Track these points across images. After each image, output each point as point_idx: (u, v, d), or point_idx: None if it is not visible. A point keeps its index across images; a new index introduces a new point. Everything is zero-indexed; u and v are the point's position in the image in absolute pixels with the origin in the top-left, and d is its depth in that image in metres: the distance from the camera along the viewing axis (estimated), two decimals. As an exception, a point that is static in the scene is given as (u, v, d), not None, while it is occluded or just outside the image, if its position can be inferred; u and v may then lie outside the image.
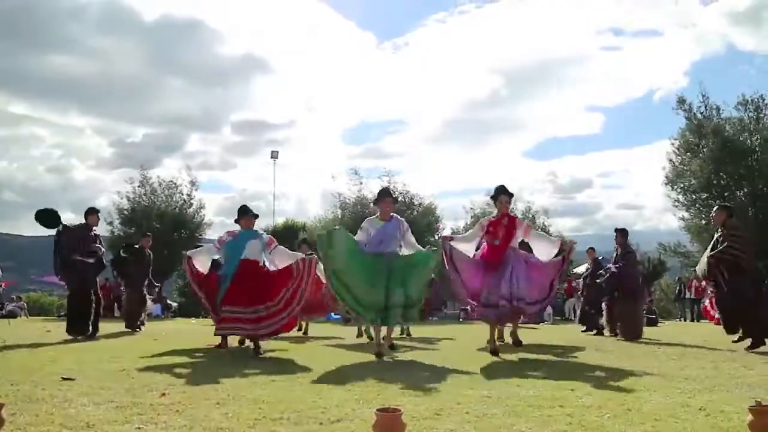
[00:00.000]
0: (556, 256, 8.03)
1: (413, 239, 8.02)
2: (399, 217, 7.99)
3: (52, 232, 9.96)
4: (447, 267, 7.84)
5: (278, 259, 8.26)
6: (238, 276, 7.87)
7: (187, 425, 3.55)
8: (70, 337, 9.66)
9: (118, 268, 13.80)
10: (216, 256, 9.05)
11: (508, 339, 8.92)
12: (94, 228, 10.47)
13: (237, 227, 8.44)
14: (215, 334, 8.43)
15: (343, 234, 7.60)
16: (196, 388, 4.89)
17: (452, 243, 7.96)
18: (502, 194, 7.98)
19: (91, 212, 10.49)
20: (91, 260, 10.13)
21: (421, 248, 7.99)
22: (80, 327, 9.90)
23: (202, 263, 8.80)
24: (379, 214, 7.82)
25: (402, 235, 7.79)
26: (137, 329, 12.33)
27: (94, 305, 10.17)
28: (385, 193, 8.11)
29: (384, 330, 7.70)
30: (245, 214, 8.38)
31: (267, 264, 8.20)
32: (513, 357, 7.40)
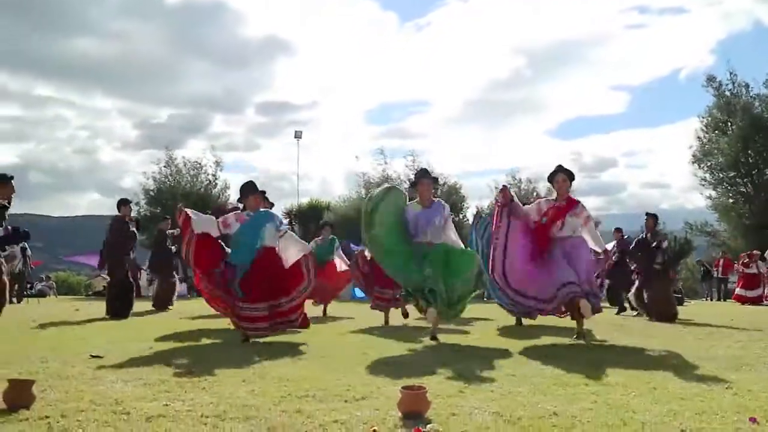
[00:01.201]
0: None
1: (453, 232, 7.19)
2: (441, 201, 7.22)
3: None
4: (494, 228, 6.81)
5: (286, 248, 7.11)
6: (256, 266, 6.78)
7: (214, 402, 3.59)
8: (97, 316, 9.86)
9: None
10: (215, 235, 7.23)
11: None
12: (127, 218, 10.82)
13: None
14: (238, 328, 6.93)
15: (390, 206, 6.87)
16: (222, 367, 4.93)
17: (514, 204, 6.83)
18: (558, 173, 7.02)
19: (124, 203, 10.93)
20: (131, 255, 10.91)
21: (461, 245, 7.22)
22: (122, 311, 10.23)
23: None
24: (418, 198, 7.04)
25: (443, 222, 6.98)
26: (166, 309, 12.65)
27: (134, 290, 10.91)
28: (422, 174, 7.31)
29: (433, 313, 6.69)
30: (253, 191, 7.16)
31: (278, 251, 7.06)
32: (537, 340, 7.38)
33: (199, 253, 6.87)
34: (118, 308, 10.22)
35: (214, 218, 7.11)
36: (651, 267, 10.82)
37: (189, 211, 7.02)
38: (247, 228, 6.93)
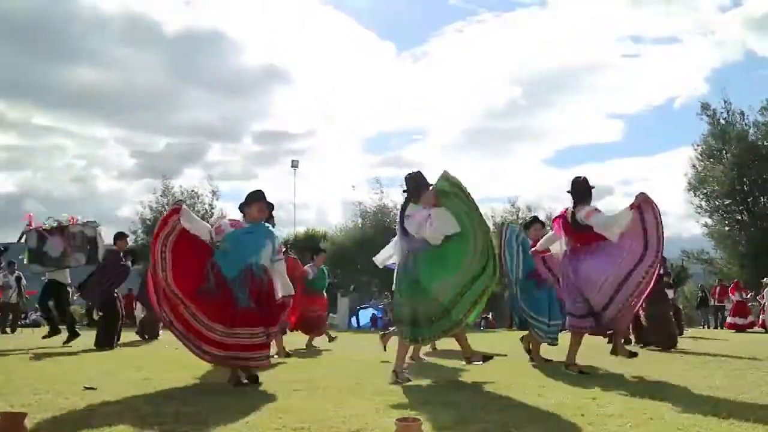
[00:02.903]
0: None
1: None
2: None
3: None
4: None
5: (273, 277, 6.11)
6: (243, 284, 5.73)
7: (208, 435, 3.57)
8: (92, 347, 9.87)
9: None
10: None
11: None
12: (121, 254, 10.74)
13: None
14: (210, 361, 5.97)
15: None
16: (218, 398, 4.91)
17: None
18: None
19: (120, 237, 10.96)
20: (116, 288, 10.73)
21: None
22: (109, 342, 10.15)
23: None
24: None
25: None
26: (155, 338, 12.49)
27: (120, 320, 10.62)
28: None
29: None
30: (257, 200, 6.11)
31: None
32: (535, 368, 7.36)
33: (180, 255, 5.72)
34: (102, 338, 10.15)
35: (207, 226, 6.13)
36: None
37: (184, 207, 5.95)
38: (242, 235, 5.91)
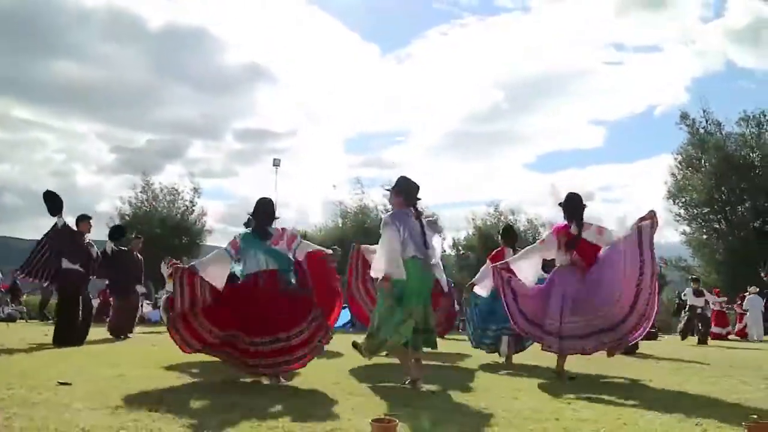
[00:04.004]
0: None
1: None
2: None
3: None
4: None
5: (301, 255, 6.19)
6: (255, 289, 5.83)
7: (182, 432, 3.55)
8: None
9: (105, 266, 11.45)
10: (237, 267, 6.77)
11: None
12: (86, 235, 10.01)
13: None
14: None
15: None
16: (192, 395, 4.88)
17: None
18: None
19: (83, 219, 10.07)
20: (81, 269, 9.71)
21: None
22: (68, 336, 9.39)
23: (215, 277, 5.92)
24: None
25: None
26: (126, 338, 11.54)
27: (82, 314, 9.74)
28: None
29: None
30: (267, 210, 6.15)
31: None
32: (510, 371, 7.38)
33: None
34: (64, 330, 9.43)
35: (222, 252, 6.06)
36: None
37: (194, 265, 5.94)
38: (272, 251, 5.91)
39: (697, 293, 17.05)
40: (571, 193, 6.74)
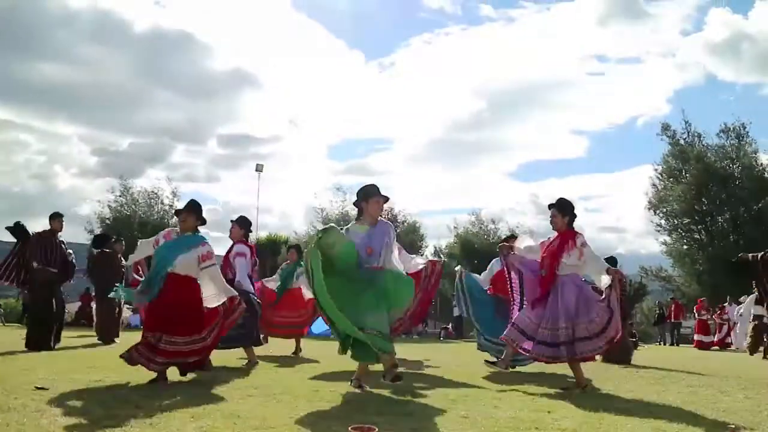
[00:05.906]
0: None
1: (395, 252, 6.39)
2: (385, 220, 6.35)
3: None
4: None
5: (205, 286, 6.25)
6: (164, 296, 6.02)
7: (160, 439, 3.51)
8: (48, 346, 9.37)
9: (90, 268, 12.09)
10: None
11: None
12: (59, 234, 9.91)
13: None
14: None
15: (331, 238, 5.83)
16: (171, 401, 4.84)
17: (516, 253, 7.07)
18: (551, 208, 6.71)
19: (55, 217, 9.94)
20: (54, 269, 9.59)
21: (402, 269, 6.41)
22: (40, 340, 9.28)
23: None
24: (364, 216, 6.11)
25: (389, 243, 6.08)
26: (112, 342, 11.45)
27: (54, 316, 9.62)
28: (374, 190, 6.15)
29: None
30: (190, 210, 6.34)
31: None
32: (492, 379, 7.38)
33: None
34: (35, 333, 9.32)
35: (152, 240, 6.53)
36: None
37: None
38: (164, 249, 6.16)
39: (759, 300, 14.25)
40: (561, 198, 6.74)
